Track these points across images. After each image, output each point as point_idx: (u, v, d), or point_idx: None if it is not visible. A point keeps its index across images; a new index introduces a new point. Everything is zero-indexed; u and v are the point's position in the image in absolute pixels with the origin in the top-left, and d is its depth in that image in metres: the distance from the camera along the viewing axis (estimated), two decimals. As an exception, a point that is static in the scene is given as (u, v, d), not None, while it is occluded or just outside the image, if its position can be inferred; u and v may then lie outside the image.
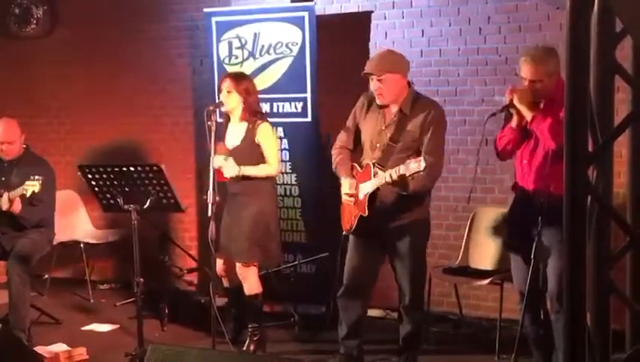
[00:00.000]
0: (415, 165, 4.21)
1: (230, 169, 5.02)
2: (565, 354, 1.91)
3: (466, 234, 5.64)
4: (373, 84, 4.57)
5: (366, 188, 4.55)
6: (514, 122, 4.33)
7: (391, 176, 4.35)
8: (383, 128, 4.60)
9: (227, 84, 5.09)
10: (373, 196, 4.53)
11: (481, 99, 5.68)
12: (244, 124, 5.11)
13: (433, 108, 4.60)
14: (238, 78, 5.17)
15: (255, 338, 5.18)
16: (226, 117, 5.22)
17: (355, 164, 4.72)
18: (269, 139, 5.10)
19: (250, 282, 5.15)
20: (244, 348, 5.17)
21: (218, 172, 4.98)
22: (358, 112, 4.75)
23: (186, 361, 3.49)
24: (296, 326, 5.60)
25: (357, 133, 4.75)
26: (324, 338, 5.47)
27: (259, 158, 5.06)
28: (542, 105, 4.26)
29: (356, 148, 4.79)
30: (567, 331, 1.92)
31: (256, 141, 5.05)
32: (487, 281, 5.21)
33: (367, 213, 4.54)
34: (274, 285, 5.59)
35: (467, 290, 5.70)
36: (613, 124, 1.89)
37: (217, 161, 4.99)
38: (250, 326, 5.21)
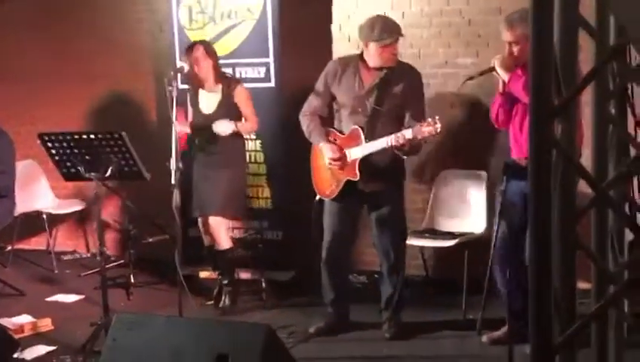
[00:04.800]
0: (429, 128, 4.31)
1: (225, 126, 5.21)
2: (531, 312, 1.90)
3: (431, 197, 5.65)
4: (392, 49, 4.58)
5: (358, 152, 4.58)
6: (500, 87, 4.44)
7: (397, 141, 4.37)
8: (363, 93, 4.61)
9: (201, 50, 5.24)
10: (362, 160, 4.58)
11: (445, 61, 5.66)
12: (218, 88, 5.30)
13: (415, 74, 4.74)
14: (208, 43, 5.39)
15: (229, 293, 5.41)
16: (194, 84, 5.35)
17: (333, 130, 4.73)
18: (246, 98, 5.32)
19: (222, 237, 5.37)
20: (221, 304, 5.40)
21: (181, 140, 5.05)
22: (330, 78, 4.76)
23: (153, 329, 3.48)
24: (263, 293, 5.59)
25: (329, 100, 4.79)
26: (293, 303, 5.49)
27: (237, 119, 5.29)
28: (521, 69, 4.32)
29: (328, 115, 4.82)
30: (533, 288, 1.91)
31: (234, 102, 5.27)
32: (453, 243, 5.23)
33: (358, 177, 4.57)
34: (241, 252, 5.58)
35: (433, 253, 5.73)
36: (578, 80, 1.88)
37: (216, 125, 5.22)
38: (224, 281, 5.44)
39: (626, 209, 2.41)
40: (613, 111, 2.26)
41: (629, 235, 2.28)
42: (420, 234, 5.45)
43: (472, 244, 5.23)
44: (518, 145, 4.45)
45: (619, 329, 2.34)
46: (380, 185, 4.67)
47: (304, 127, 4.83)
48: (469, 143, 5.62)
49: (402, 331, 4.83)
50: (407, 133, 4.39)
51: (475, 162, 5.57)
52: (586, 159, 2.26)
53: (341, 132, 4.73)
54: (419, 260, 5.75)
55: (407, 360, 4.58)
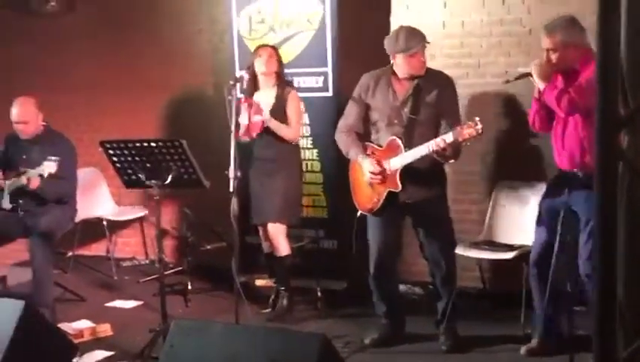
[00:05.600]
0: (470, 130, 4.27)
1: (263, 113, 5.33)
2: (595, 325, 1.86)
3: (490, 209, 5.59)
4: (419, 57, 4.58)
5: (399, 161, 4.55)
6: (535, 93, 4.44)
7: (438, 145, 4.35)
8: (398, 104, 4.61)
9: (269, 50, 5.42)
10: (402, 170, 4.56)
11: (505, 71, 5.58)
12: (273, 92, 5.40)
13: (447, 80, 4.74)
14: (276, 48, 5.53)
15: (285, 300, 5.45)
16: (251, 86, 5.44)
17: (370, 143, 4.72)
18: (296, 106, 5.42)
19: (281, 243, 5.42)
20: (277, 309, 5.46)
21: (247, 126, 5.24)
22: (363, 93, 4.77)
23: (210, 335, 3.50)
24: (318, 302, 5.59)
25: (364, 114, 4.79)
26: (347, 313, 5.47)
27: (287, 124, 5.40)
28: (561, 78, 4.28)
29: (364, 131, 4.82)
30: (597, 302, 1.87)
31: (287, 108, 5.36)
32: (511, 255, 5.15)
33: (400, 187, 4.54)
34: (297, 261, 5.59)
35: (490, 265, 5.66)
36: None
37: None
38: (281, 287, 5.48)
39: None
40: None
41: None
42: (478, 245, 5.38)
43: (531, 257, 5.14)
44: (560, 157, 4.42)
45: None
46: (422, 195, 4.63)
47: (341, 145, 4.84)
48: (528, 153, 5.54)
49: (459, 344, 4.78)
50: (448, 137, 4.34)
51: (534, 173, 5.48)
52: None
53: (379, 145, 4.70)
54: (476, 272, 5.68)
55: (464, 373, 4.53)
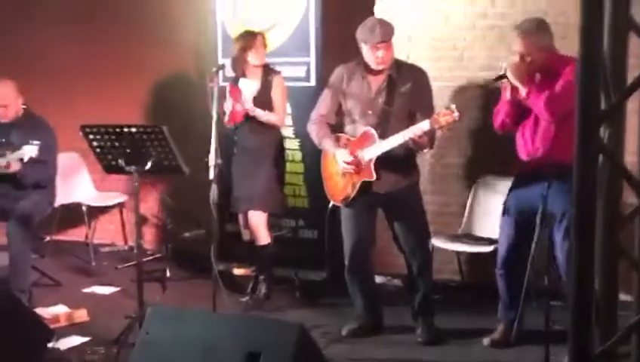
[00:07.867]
0: (446, 117, 4.25)
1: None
2: (572, 322, 1.87)
3: (469, 202, 5.60)
4: (380, 52, 4.54)
5: (374, 151, 4.53)
6: (508, 94, 4.39)
7: (415, 134, 4.35)
8: (373, 96, 4.60)
9: (260, 39, 5.36)
10: (376, 160, 4.55)
11: (488, 64, 5.59)
12: (259, 78, 5.38)
13: (421, 72, 4.73)
14: (264, 36, 5.45)
15: (264, 289, 5.43)
16: (238, 73, 5.40)
17: (343, 135, 4.71)
18: (281, 91, 5.39)
19: (262, 232, 5.40)
20: (255, 298, 5.43)
21: (232, 113, 5.26)
22: (337, 84, 4.75)
23: (186, 323, 3.48)
24: (297, 291, 5.59)
25: (337, 106, 4.77)
26: (325, 303, 5.47)
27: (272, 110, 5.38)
28: (537, 80, 4.28)
29: (337, 122, 4.82)
30: (574, 297, 1.87)
31: (272, 93, 5.34)
32: (490, 248, 5.17)
33: (375, 177, 4.53)
34: (276, 250, 5.58)
35: (469, 258, 5.67)
36: (626, 84, 1.84)
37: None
38: (260, 276, 5.46)
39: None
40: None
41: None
42: (457, 238, 5.40)
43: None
44: (533, 151, 4.40)
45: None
46: (395, 185, 4.63)
47: (313, 135, 4.82)
48: (509, 148, 5.53)
49: (436, 336, 4.79)
50: (424, 125, 4.34)
51: (514, 168, 5.49)
52: (629, 167, 2.21)
53: (352, 136, 4.69)
54: (454, 265, 5.69)
55: (440, 365, 4.54)
